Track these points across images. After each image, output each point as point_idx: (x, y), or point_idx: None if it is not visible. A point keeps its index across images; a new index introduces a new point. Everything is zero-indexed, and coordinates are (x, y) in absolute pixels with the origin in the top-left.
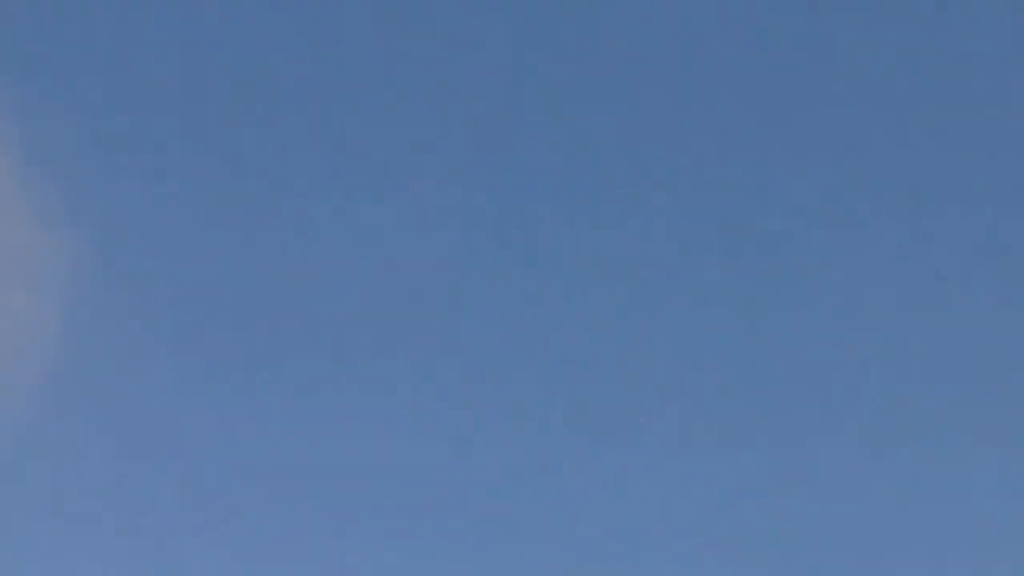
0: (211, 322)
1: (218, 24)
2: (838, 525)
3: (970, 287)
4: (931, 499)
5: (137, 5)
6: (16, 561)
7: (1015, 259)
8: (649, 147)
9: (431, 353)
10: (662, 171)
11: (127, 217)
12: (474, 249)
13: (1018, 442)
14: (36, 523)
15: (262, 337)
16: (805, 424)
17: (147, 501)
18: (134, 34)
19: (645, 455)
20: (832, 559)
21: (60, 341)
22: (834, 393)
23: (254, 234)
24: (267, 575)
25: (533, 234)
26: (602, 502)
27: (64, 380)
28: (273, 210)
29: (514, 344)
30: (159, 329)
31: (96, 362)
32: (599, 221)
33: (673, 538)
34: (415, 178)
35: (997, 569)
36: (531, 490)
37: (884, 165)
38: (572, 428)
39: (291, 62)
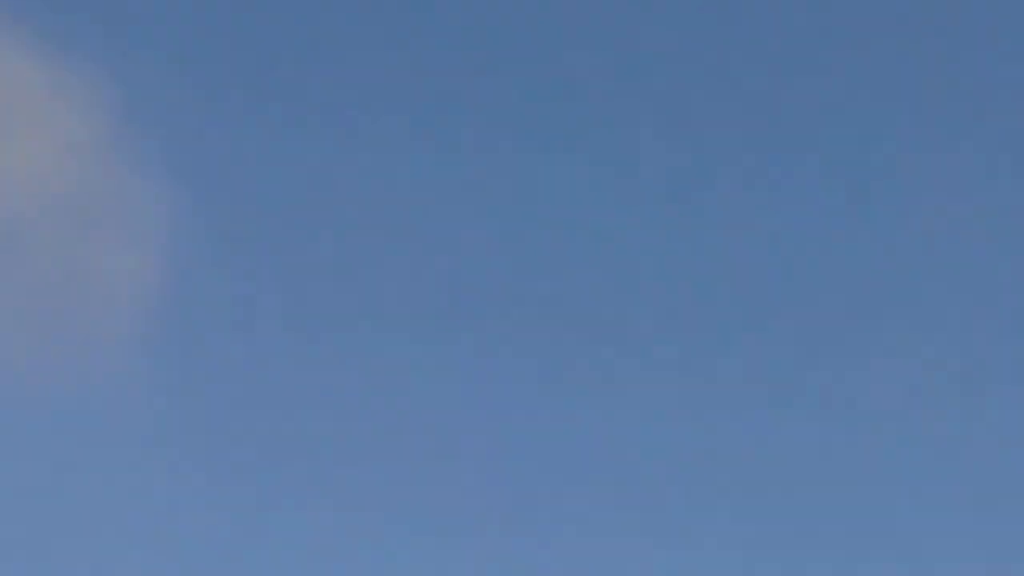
0: (311, 272)
1: None
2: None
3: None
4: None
5: None
6: (113, 510)
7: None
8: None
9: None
10: (658, 110)
11: (227, 171)
12: (475, 190)
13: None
14: (136, 478)
15: (362, 287)
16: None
17: (247, 452)
18: None
19: (632, 397)
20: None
21: (161, 294)
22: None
23: (354, 185)
24: (354, 523)
25: (527, 176)
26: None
27: (165, 333)
28: (369, 160)
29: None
30: (258, 281)
31: (197, 314)
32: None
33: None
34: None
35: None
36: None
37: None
38: (567, 381)
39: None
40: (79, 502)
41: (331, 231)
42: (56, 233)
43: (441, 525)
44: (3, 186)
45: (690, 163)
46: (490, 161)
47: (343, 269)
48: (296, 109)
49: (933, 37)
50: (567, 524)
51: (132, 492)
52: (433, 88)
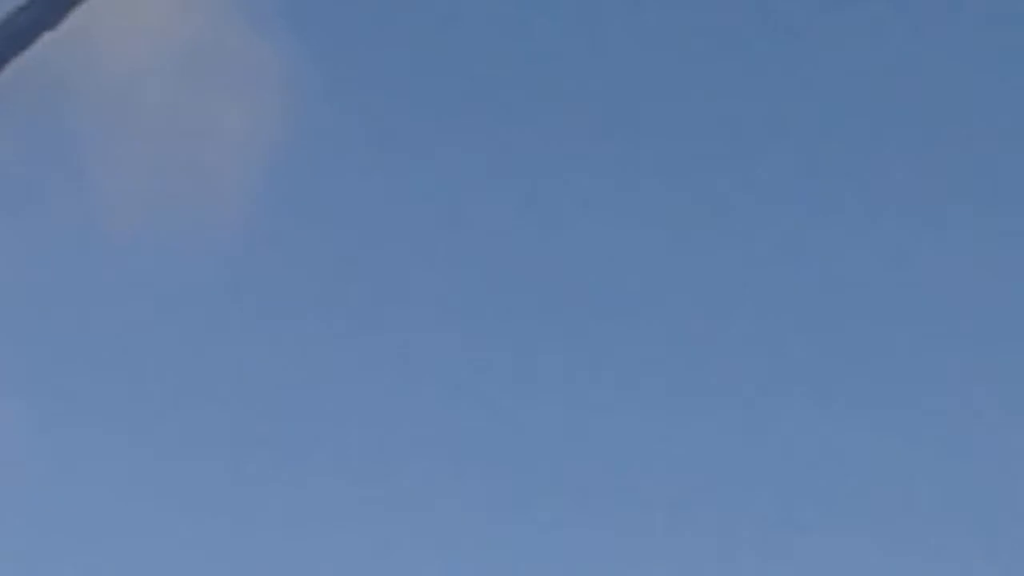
0: (431, 129)
1: None
2: None
3: None
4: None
5: None
6: (224, 377)
7: None
8: None
9: None
10: None
11: (345, 26)
12: None
13: None
14: (249, 342)
15: (491, 142)
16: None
17: (362, 305)
18: None
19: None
20: None
21: (277, 152)
22: None
23: (479, 40)
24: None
25: None
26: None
27: (281, 192)
28: (496, 10)
29: None
30: (377, 141)
31: (313, 174)
32: None
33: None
34: None
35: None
36: None
37: None
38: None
39: None
40: (199, 348)
41: (453, 86)
42: (174, 87)
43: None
44: (121, 41)
45: None
46: None
47: (467, 124)
48: None
49: None
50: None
51: (249, 341)
52: None
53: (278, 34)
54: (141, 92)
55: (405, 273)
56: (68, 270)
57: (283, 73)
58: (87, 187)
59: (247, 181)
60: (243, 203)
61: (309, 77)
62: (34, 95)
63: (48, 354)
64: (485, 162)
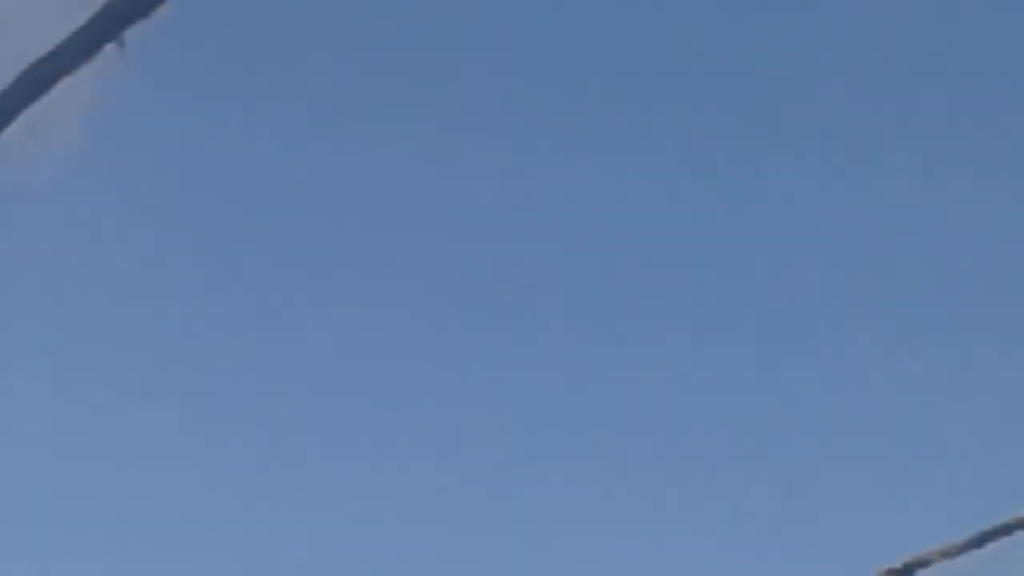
0: (270, 75)
1: None
2: None
3: None
4: None
5: None
6: (48, 316)
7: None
8: None
9: None
10: None
11: None
12: None
13: None
14: (68, 278)
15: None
16: None
17: (180, 242)
18: None
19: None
20: None
21: (104, 86)
22: None
23: None
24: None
25: None
26: None
27: (106, 126)
28: None
29: None
30: (214, 77)
31: (143, 108)
32: None
33: None
34: None
35: None
36: None
37: None
38: None
39: None
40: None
41: (303, 23)
42: None
43: None
44: None
45: None
46: None
47: (312, 61)
48: None
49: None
50: None
51: (68, 277)
52: None
53: None
54: None
55: (235, 211)
56: None
57: None
58: None
59: (70, 115)
60: (66, 136)
61: None
62: None
63: None
64: (320, 103)
